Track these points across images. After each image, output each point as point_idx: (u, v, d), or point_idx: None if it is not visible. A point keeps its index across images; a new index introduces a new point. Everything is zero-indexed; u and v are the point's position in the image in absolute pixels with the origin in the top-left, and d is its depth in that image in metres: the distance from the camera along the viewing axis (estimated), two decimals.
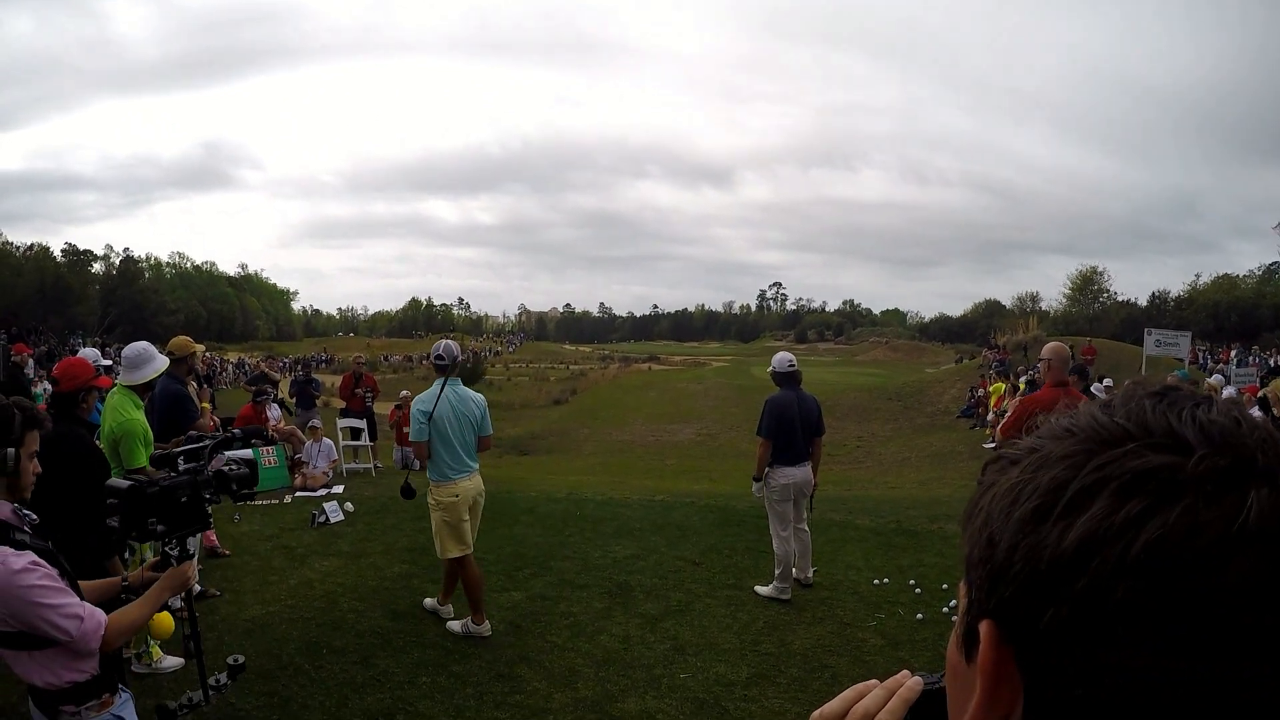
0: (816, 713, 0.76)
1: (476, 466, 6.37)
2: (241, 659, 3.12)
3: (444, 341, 6.53)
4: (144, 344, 6.06)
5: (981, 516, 0.59)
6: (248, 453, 3.51)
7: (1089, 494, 0.51)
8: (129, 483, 2.79)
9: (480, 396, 6.49)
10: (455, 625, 6.31)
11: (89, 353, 7.62)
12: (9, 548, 2.40)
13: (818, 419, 7.28)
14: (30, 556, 2.42)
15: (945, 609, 6.82)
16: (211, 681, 3.04)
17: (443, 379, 6.28)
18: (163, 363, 5.97)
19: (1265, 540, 0.46)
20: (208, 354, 6.94)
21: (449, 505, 6.14)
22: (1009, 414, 6.58)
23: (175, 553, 2.87)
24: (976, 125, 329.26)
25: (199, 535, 3.84)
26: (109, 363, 10.75)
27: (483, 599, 6.33)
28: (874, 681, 0.77)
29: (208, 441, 3.16)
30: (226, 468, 3.15)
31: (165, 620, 3.28)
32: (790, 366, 7.34)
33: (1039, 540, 0.52)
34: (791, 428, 7.10)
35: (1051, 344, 6.65)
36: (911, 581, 7.54)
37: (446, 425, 6.13)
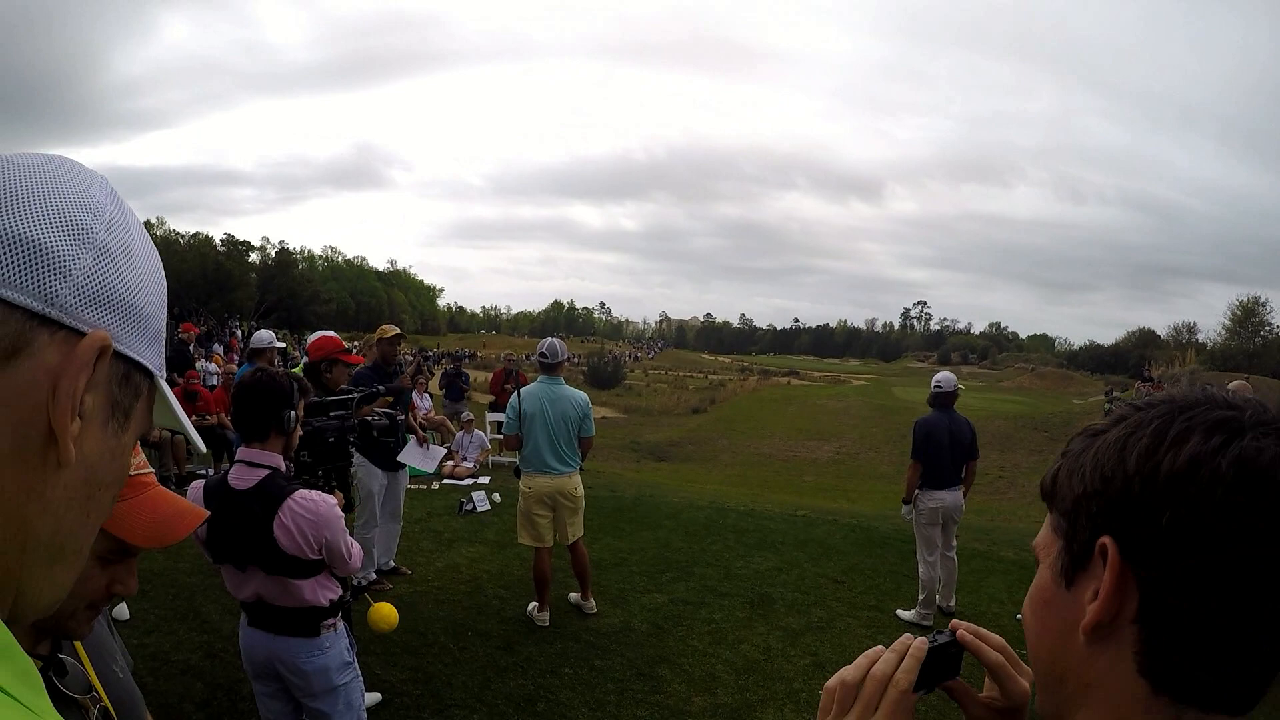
0: (836, 676, 0.91)
1: (568, 469, 6.37)
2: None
3: (550, 340, 6.56)
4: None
5: (1090, 464, 0.75)
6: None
7: (1186, 434, 0.69)
8: None
9: (583, 396, 6.53)
10: (531, 607, 6.47)
11: (265, 334, 7.93)
12: (313, 491, 3.03)
13: (971, 442, 7.07)
14: (334, 499, 3.08)
15: None
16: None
17: (544, 377, 6.40)
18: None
19: None
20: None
21: (524, 494, 6.32)
22: None
23: (331, 484, 3.63)
24: (1136, 138, 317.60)
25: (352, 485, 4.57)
26: (284, 345, 11.24)
27: (548, 593, 6.39)
28: (881, 648, 0.92)
29: (356, 395, 3.77)
30: (372, 418, 3.78)
31: (389, 616, 4.11)
32: (953, 387, 7.18)
33: (1155, 465, 0.69)
34: (940, 450, 6.95)
35: (1235, 383, 6.36)
36: None
37: (536, 422, 6.22)
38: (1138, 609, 0.69)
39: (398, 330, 7.02)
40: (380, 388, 4.17)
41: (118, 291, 0.61)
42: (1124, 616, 0.70)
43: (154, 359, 0.67)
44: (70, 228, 0.58)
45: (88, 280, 0.58)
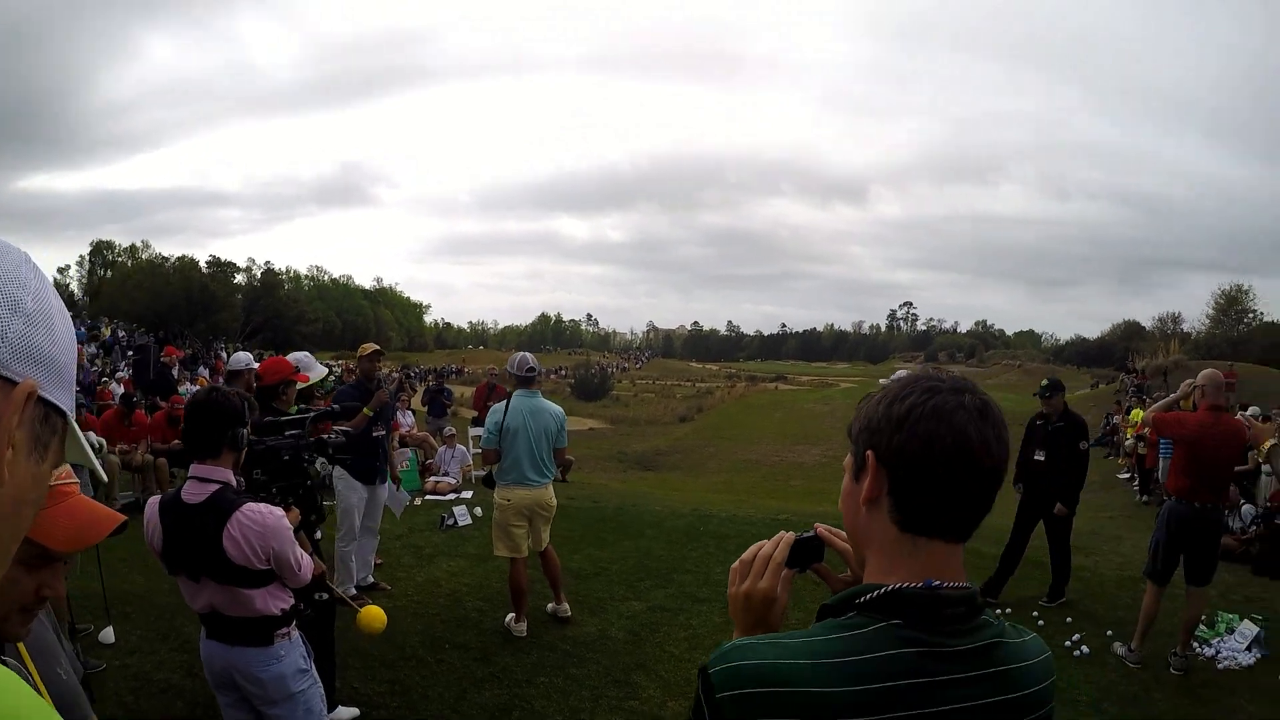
0: (737, 560, 1.38)
1: (545, 480, 6.50)
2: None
3: (522, 354, 6.71)
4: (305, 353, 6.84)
5: (863, 414, 1.26)
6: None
7: (909, 393, 1.20)
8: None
9: (559, 409, 6.67)
10: (508, 618, 6.52)
11: (243, 356, 8.03)
12: (261, 504, 3.13)
13: None
14: (280, 510, 3.19)
15: (1067, 643, 6.68)
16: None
17: (523, 391, 6.52)
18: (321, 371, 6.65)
19: (967, 406, 1.17)
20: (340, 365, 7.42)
21: (501, 507, 6.41)
22: (1172, 413, 6.48)
23: (280, 500, 3.71)
24: (1121, 133, 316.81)
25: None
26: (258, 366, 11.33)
27: (525, 603, 6.48)
28: (767, 540, 1.38)
29: (310, 414, 3.86)
30: (328, 436, 3.83)
31: (377, 617, 4.12)
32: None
33: (892, 410, 1.20)
34: None
35: (1207, 371, 6.50)
36: (1035, 613, 7.40)
37: (518, 436, 6.32)
38: (889, 488, 1.20)
39: (376, 347, 7.12)
40: (336, 407, 4.26)
41: (41, 349, 0.76)
42: (882, 493, 1.21)
43: (68, 402, 0.81)
44: (6, 301, 0.73)
45: (19, 341, 0.73)
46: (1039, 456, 7.78)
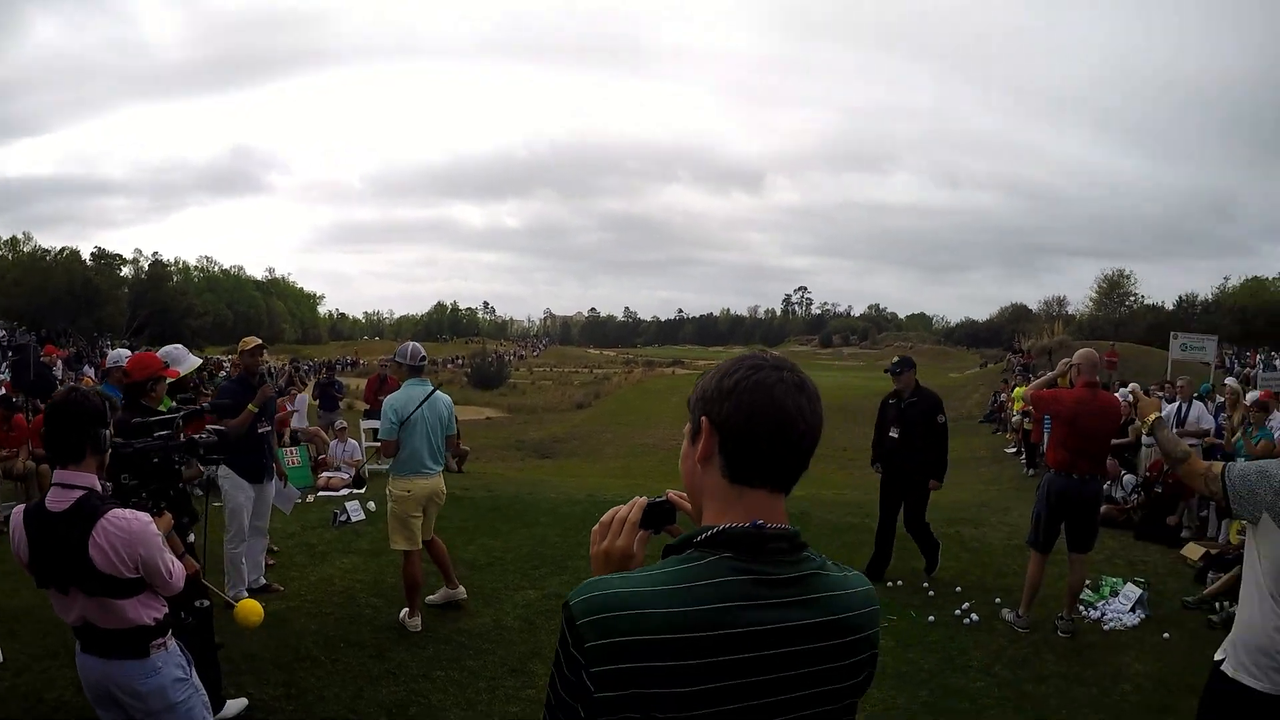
0: (598, 522, 1.53)
1: (439, 468, 6.59)
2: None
3: (411, 343, 6.81)
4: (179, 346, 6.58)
5: (700, 386, 1.44)
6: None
7: (737, 369, 1.39)
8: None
9: (447, 398, 6.71)
10: (403, 613, 6.48)
11: (120, 353, 7.81)
12: (127, 509, 3.01)
13: None
14: (148, 516, 3.08)
15: (957, 611, 6.87)
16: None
17: (415, 380, 6.53)
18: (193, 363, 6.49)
19: (785, 381, 1.37)
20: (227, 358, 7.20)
21: (400, 499, 6.35)
22: (1049, 390, 6.75)
23: (152, 505, 3.54)
24: (1010, 126, 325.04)
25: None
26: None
27: (419, 597, 6.49)
28: (621, 505, 1.53)
29: (180, 414, 3.69)
30: (200, 436, 3.65)
31: (254, 610, 4.00)
32: None
33: (722, 383, 1.39)
34: None
35: (1083, 350, 6.77)
36: (925, 584, 7.63)
37: (416, 426, 6.33)
38: (719, 448, 1.39)
39: (258, 342, 6.95)
40: (204, 405, 4.11)
41: None
42: (714, 452, 1.40)
43: None
44: None
45: None
46: (893, 434, 7.89)
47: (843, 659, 1.38)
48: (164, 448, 3.58)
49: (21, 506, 3.11)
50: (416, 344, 6.83)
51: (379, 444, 6.48)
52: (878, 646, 1.47)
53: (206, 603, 3.84)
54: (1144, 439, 11.98)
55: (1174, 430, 11.07)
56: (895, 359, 8.33)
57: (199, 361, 6.70)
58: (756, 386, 1.36)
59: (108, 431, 3.05)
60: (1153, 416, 3.65)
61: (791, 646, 1.32)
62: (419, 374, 6.59)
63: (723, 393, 1.39)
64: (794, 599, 1.33)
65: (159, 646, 3.15)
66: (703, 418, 1.41)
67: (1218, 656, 3.05)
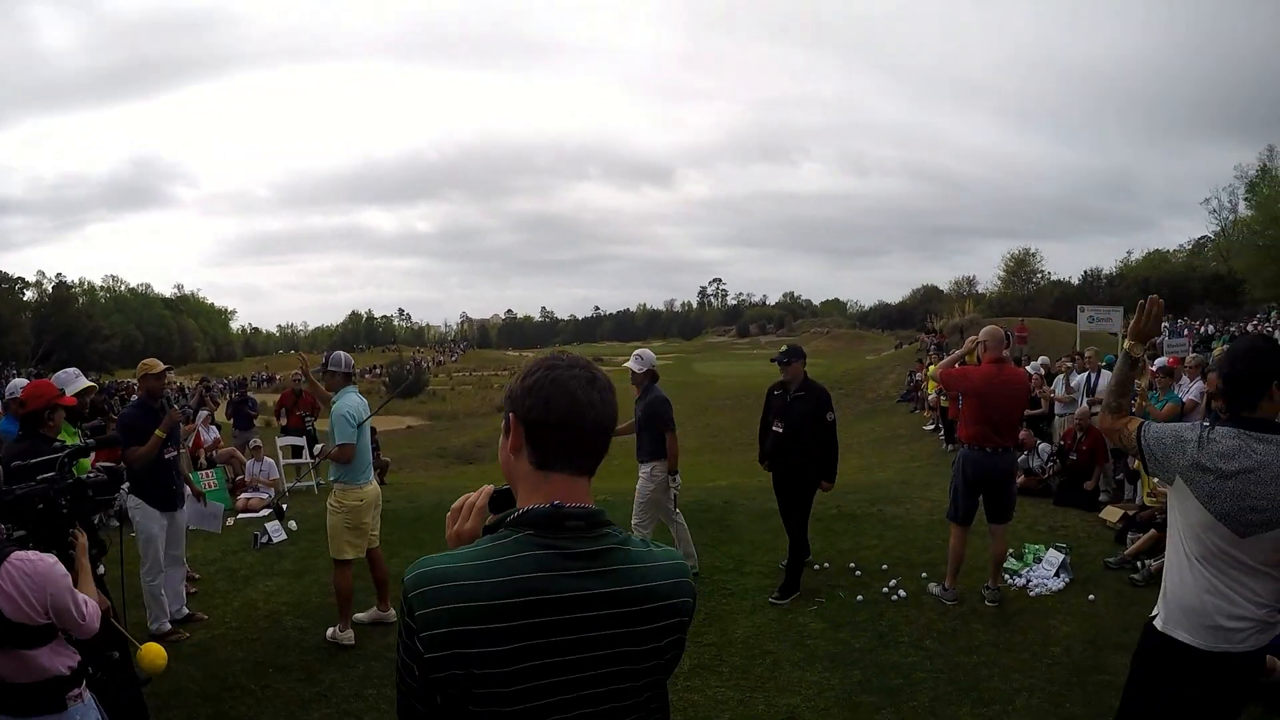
0: (453, 506, 1.73)
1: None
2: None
3: (339, 352, 6.78)
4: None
5: (509, 387, 1.64)
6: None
7: (536, 370, 1.59)
8: None
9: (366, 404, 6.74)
10: (331, 631, 6.43)
11: (16, 383, 7.57)
12: (26, 551, 2.81)
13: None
14: (53, 556, 2.86)
15: (885, 589, 6.98)
16: None
17: (351, 387, 6.56)
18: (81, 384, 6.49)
19: (578, 377, 1.58)
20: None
21: (354, 508, 6.35)
22: (957, 368, 6.87)
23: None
24: (916, 114, 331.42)
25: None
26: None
27: (350, 611, 6.46)
28: (471, 493, 1.74)
29: (63, 454, 3.39)
30: (88, 476, 3.37)
31: (159, 655, 3.64)
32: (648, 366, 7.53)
33: (525, 382, 1.59)
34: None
35: (988, 327, 6.91)
36: (852, 564, 7.73)
37: (364, 433, 6.38)
38: (525, 439, 1.57)
39: (162, 367, 6.76)
40: (90, 441, 3.83)
41: None
42: (522, 443, 1.58)
43: None
44: None
45: None
46: (777, 428, 7.25)
47: (641, 624, 1.55)
48: (47, 491, 3.23)
49: None
50: (343, 352, 6.86)
51: (334, 450, 6.27)
52: (689, 617, 1.65)
53: (116, 654, 3.59)
54: (1058, 408, 12.36)
55: (1086, 400, 11.41)
56: (784, 348, 7.67)
57: (87, 383, 6.61)
58: (553, 384, 1.56)
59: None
60: (1139, 348, 3.59)
61: (588, 612, 1.49)
62: (351, 381, 6.60)
63: (525, 391, 1.57)
64: (591, 570, 1.51)
65: (75, 698, 2.98)
66: (510, 414, 1.60)
67: (1152, 613, 3.12)
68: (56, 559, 2.87)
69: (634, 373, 7.47)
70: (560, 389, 1.55)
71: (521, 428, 1.57)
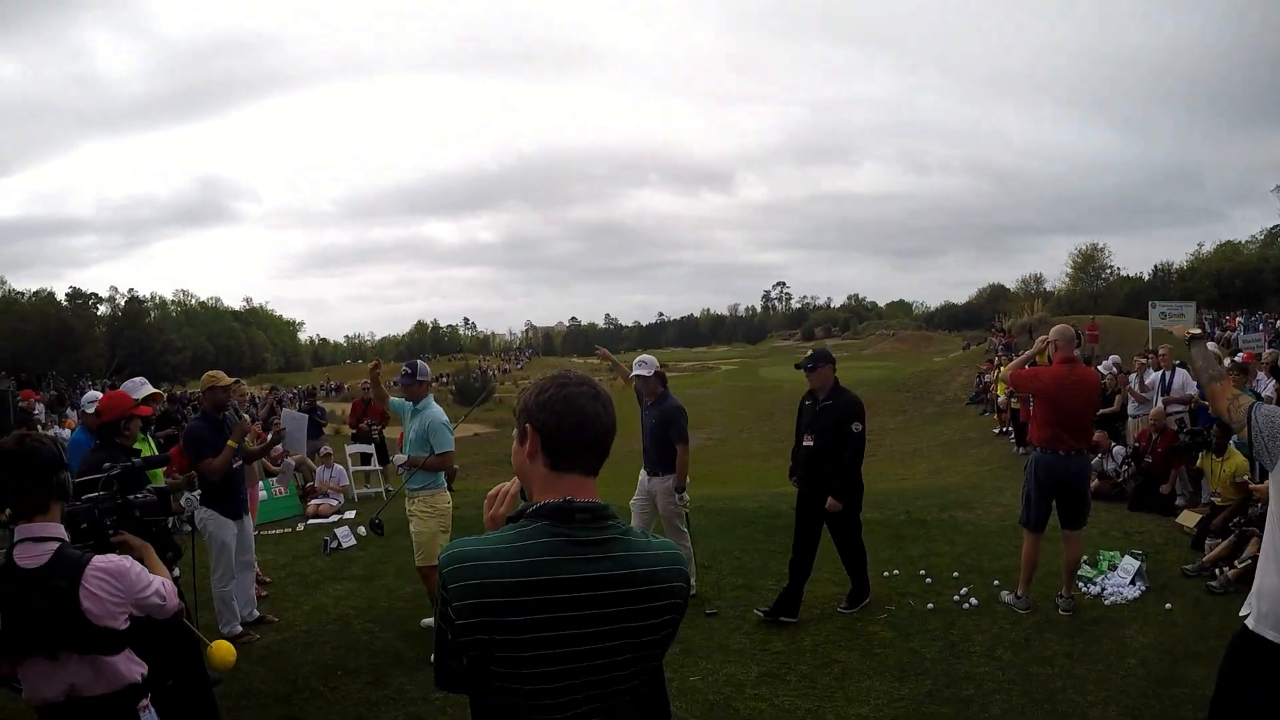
0: (490, 492, 2.02)
1: None
2: None
3: (422, 362, 6.82)
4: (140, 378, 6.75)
5: (523, 401, 1.88)
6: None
7: (550, 388, 1.86)
8: None
9: None
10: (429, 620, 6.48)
11: (91, 395, 7.77)
12: (96, 555, 2.80)
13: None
14: (112, 555, 2.87)
15: (956, 597, 6.86)
16: None
17: (429, 396, 6.62)
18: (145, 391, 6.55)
19: (584, 393, 1.85)
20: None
21: (445, 512, 6.51)
22: (1027, 369, 6.69)
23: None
24: (974, 110, 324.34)
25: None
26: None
27: None
28: (506, 483, 2.01)
29: (112, 473, 3.35)
30: (137, 496, 3.34)
31: (229, 652, 3.61)
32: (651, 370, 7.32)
33: (538, 397, 1.85)
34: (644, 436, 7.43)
35: (1058, 326, 6.78)
36: (922, 571, 7.60)
37: None
38: (541, 446, 1.82)
39: (228, 381, 6.86)
40: (137, 460, 3.72)
41: None
42: (538, 449, 1.82)
43: None
44: None
45: None
46: (808, 441, 6.76)
47: (639, 604, 1.80)
48: (91, 511, 3.21)
49: None
50: (422, 361, 6.98)
51: (440, 456, 6.36)
52: (683, 600, 1.91)
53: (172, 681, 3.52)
54: (1131, 409, 12.06)
55: (1160, 398, 11.14)
56: (810, 352, 7.21)
57: (151, 390, 6.75)
58: (565, 399, 1.83)
59: (69, 474, 2.85)
60: (1192, 331, 3.53)
61: (594, 591, 1.74)
62: (429, 389, 6.71)
63: (540, 405, 1.84)
64: (597, 555, 1.76)
65: (145, 709, 2.97)
66: (527, 425, 1.86)
67: (1242, 612, 3.02)
68: (113, 556, 2.88)
69: (644, 379, 7.22)
70: (571, 403, 1.82)
71: (538, 436, 1.84)
